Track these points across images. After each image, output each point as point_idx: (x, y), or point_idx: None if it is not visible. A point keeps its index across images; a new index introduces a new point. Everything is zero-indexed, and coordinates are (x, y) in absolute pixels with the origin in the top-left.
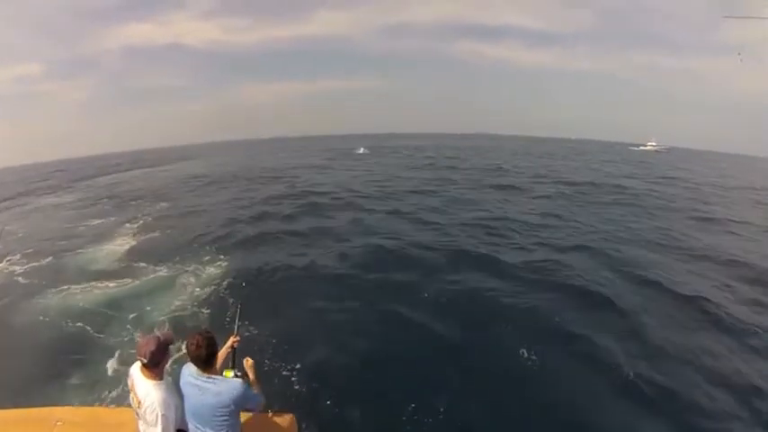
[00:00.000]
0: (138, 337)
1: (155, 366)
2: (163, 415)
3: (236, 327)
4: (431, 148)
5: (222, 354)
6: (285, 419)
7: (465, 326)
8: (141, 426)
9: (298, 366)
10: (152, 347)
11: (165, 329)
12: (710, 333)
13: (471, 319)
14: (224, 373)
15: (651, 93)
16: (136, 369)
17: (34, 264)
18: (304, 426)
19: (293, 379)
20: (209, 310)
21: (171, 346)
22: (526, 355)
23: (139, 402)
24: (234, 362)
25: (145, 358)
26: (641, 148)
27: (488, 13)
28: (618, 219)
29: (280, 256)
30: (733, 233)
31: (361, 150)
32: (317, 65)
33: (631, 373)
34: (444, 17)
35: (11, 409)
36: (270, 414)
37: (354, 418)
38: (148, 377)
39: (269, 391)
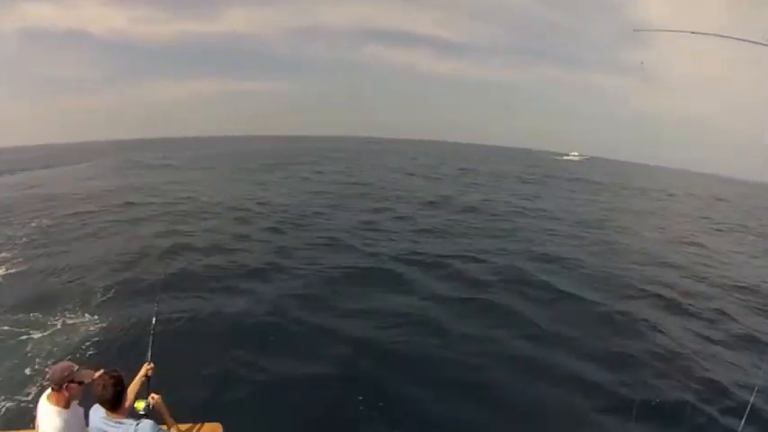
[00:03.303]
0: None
1: (59, 389)
2: None
3: (149, 354)
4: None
5: (136, 383)
6: (213, 429)
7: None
8: None
9: (223, 376)
10: (58, 369)
11: (85, 367)
12: None
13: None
14: (135, 404)
15: (558, 104)
16: (43, 396)
17: None
18: None
19: (220, 389)
20: (118, 344)
21: (78, 379)
22: None
23: (36, 428)
24: (148, 391)
25: (48, 376)
26: (565, 157)
27: (400, 21)
28: None
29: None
30: None
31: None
32: (229, 63)
33: None
34: (355, 21)
35: None
36: (197, 425)
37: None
38: (53, 402)
39: (196, 403)
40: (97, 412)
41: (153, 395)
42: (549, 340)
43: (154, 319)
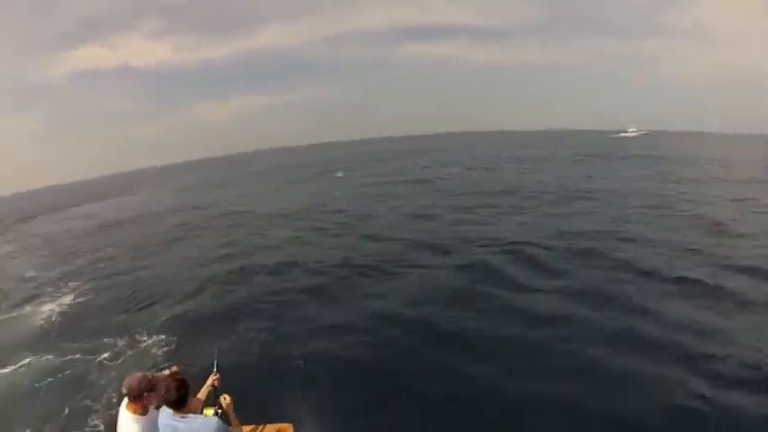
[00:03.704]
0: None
1: (137, 400)
2: None
3: (214, 365)
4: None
5: (203, 392)
6: (283, 429)
7: None
8: None
9: (293, 379)
10: (134, 382)
11: (158, 373)
12: None
13: None
14: (204, 412)
15: (605, 80)
16: (122, 405)
17: None
18: None
19: (289, 392)
20: (184, 357)
21: (155, 386)
22: None
23: None
24: (215, 399)
25: (125, 389)
26: (622, 134)
27: (430, 16)
28: None
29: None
30: None
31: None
32: (269, 77)
33: None
34: (387, 23)
35: None
36: (268, 426)
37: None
38: (131, 411)
39: (265, 405)
40: (164, 412)
41: (225, 396)
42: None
43: (220, 329)
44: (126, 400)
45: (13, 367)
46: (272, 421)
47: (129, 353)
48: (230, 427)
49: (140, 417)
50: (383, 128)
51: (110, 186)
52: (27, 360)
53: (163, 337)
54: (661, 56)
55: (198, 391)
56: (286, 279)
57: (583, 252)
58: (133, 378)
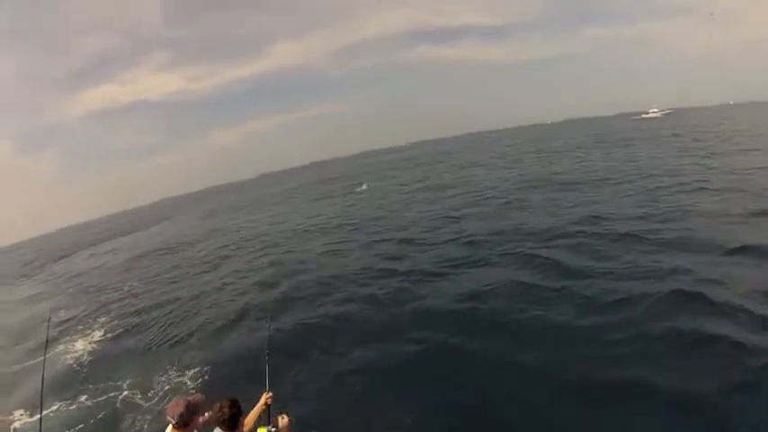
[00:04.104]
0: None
1: (183, 427)
2: None
3: (266, 383)
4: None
5: (255, 412)
6: None
7: None
8: None
9: (351, 392)
10: (181, 408)
11: (194, 393)
12: None
13: None
14: (258, 431)
15: (619, 64)
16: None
17: None
18: None
19: (349, 406)
20: (235, 375)
21: (199, 410)
22: None
23: None
24: (269, 419)
25: (173, 419)
26: (644, 116)
27: (437, 17)
28: None
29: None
30: None
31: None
32: (281, 97)
33: None
34: (396, 27)
35: None
36: None
37: None
38: None
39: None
40: None
41: (283, 415)
42: None
43: (267, 347)
44: (170, 427)
45: (46, 411)
46: None
47: (166, 387)
48: None
49: None
50: (409, 134)
51: (131, 221)
52: (56, 406)
53: (197, 369)
54: (667, 36)
55: (249, 411)
56: (331, 290)
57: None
58: (178, 403)
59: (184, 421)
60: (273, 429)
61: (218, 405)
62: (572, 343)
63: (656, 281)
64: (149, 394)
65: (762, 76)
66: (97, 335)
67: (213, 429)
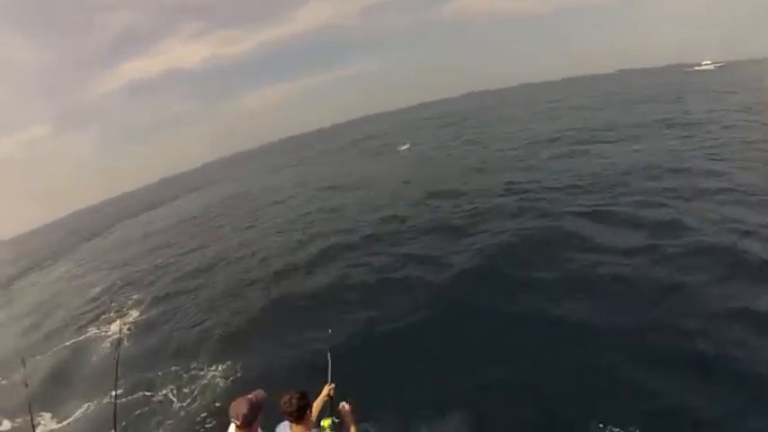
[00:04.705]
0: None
1: (248, 426)
2: None
3: (329, 374)
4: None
5: (318, 404)
6: None
7: None
8: None
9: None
10: (244, 409)
11: (256, 390)
12: None
13: None
14: (322, 423)
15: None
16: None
17: None
18: None
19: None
20: (296, 368)
21: (263, 407)
22: None
23: None
24: (332, 410)
25: (238, 420)
26: (696, 68)
27: None
28: None
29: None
30: None
31: (407, 146)
32: (314, 59)
33: None
34: None
35: None
36: None
37: None
38: None
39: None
40: (284, 427)
41: (344, 403)
42: None
43: (329, 336)
44: (233, 428)
45: (90, 402)
46: None
47: (204, 381)
48: None
49: None
50: (442, 90)
51: (178, 185)
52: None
53: (269, 343)
54: None
55: (313, 402)
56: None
57: None
58: (241, 404)
59: (249, 421)
60: (338, 420)
61: (288, 397)
62: None
63: None
64: (183, 388)
65: None
66: (133, 315)
67: (279, 423)
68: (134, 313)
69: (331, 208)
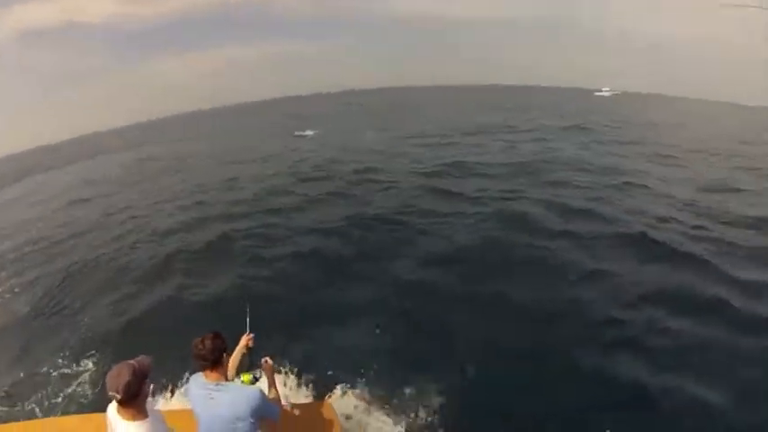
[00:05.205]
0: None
1: (133, 400)
2: None
3: (247, 324)
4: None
5: (235, 357)
6: (325, 408)
7: None
8: None
9: (327, 358)
10: (126, 377)
11: (140, 356)
12: None
13: None
14: (241, 377)
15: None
16: (112, 411)
17: None
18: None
19: (324, 370)
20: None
21: (148, 375)
22: None
23: None
24: (250, 364)
25: (118, 393)
26: (596, 94)
27: None
28: None
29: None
30: None
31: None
32: (230, 29)
33: None
34: None
35: None
36: (307, 404)
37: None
38: (128, 417)
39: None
40: (196, 378)
41: (267, 359)
42: None
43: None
44: (115, 404)
45: None
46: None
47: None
48: (272, 396)
49: (143, 422)
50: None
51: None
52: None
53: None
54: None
55: (230, 354)
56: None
57: None
58: (123, 370)
59: (134, 392)
60: (259, 376)
61: (200, 339)
62: None
63: None
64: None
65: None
66: None
67: (194, 374)
68: None
69: None
